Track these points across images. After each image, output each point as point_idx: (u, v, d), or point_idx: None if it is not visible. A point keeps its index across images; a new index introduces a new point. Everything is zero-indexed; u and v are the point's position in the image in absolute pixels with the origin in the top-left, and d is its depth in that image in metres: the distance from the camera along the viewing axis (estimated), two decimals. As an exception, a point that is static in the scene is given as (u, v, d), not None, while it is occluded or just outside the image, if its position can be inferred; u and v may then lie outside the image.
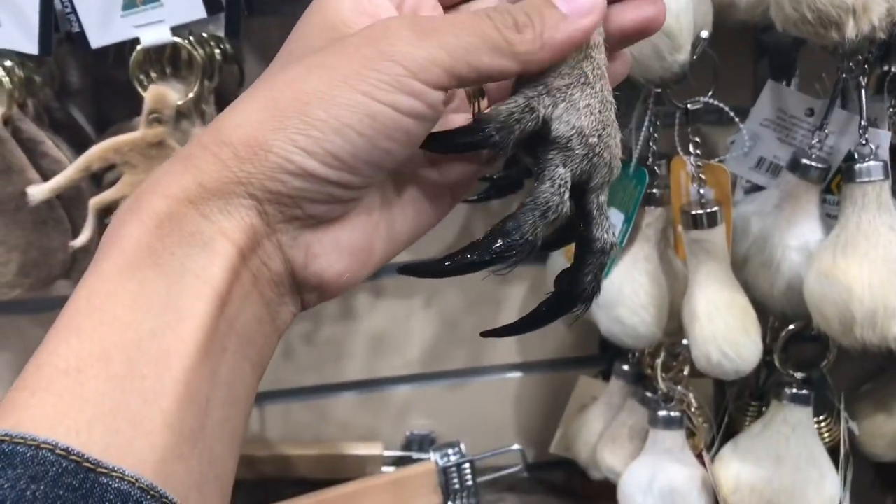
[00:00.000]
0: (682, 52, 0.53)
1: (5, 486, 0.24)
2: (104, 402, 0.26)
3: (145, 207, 0.29)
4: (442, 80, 0.29)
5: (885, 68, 0.64)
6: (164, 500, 0.26)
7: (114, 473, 0.25)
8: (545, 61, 0.31)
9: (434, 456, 0.69)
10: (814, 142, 0.62)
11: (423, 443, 0.76)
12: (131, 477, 0.25)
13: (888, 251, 0.57)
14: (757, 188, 0.67)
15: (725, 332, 0.59)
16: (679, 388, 0.67)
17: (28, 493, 0.24)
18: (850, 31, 0.51)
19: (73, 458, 0.25)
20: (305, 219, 0.30)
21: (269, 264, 0.30)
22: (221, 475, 0.29)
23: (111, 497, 0.25)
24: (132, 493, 0.25)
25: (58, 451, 0.25)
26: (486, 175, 0.64)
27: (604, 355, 0.78)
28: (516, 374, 0.80)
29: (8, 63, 0.54)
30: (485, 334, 0.37)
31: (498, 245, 0.32)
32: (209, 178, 0.29)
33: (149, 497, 0.26)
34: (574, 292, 0.34)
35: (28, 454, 0.25)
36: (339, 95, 0.29)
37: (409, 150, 0.31)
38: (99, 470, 0.25)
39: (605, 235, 0.35)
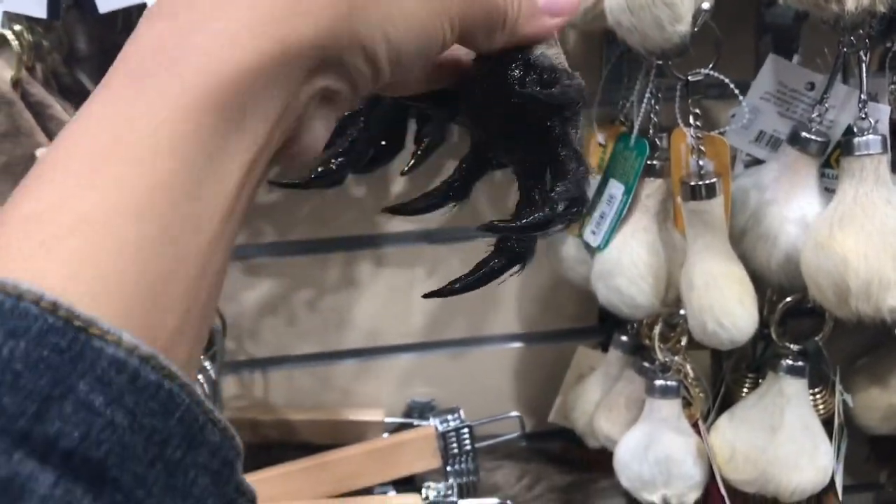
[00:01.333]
0: (683, 23, 0.53)
1: None
2: (127, 264, 0.23)
3: (197, 66, 0.25)
4: (462, 28, 0.32)
5: (888, 45, 0.64)
6: (166, 371, 0.23)
7: (108, 336, 0.22)
8: (507, 43, 0.34)
9: (434, 421, 0.70)
10: (814, 116, 0.62)
11: (424, 410, 0.77)
12: (129, 343, 0.22)
13: (884, 224, 0.58)
14: (757, 162, 0.67)
15: (721, 302, 0.60)
16: (676, 358, 0.68)
17: (5, 350, 0.21)
18: (850, 4, 0.52)
19: (62, 314, 0.21)
20: (327, 96, 0.30)
21: (281, 137, 0.29)
22: (206, 336, 0.27)
23: (104, 364, 0.22)
24: (130, 361, 0.22)
25: (43, 304, 0.21)
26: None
27: (602, 327, 0.79)
28: (516, 345, 0.81)
29: (17, 27, 0.55)
30: (427, 296, 0.39)
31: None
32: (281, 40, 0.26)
33: (149, 368, 0.22)
34: (526, 252, 0.38)
35: (7, 305, 0.21)
36: (418, 7, 0.30)
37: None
38: (91, 331, 0.22)
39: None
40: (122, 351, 0.22)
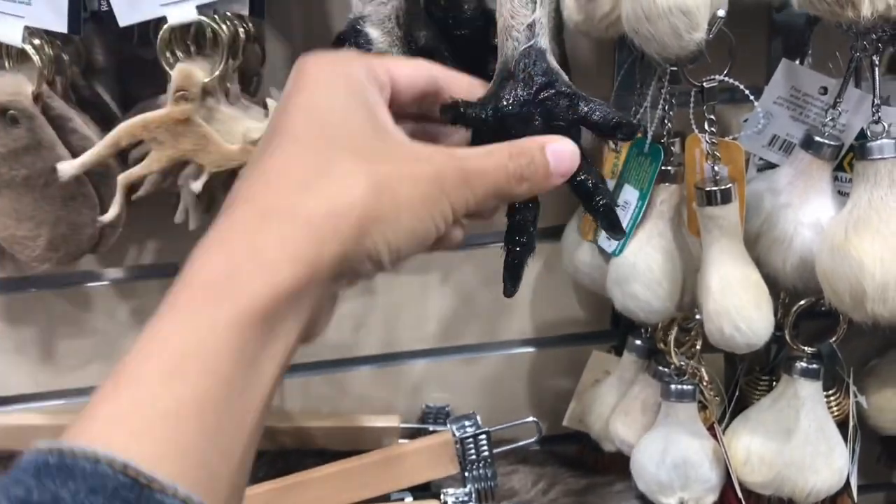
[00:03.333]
0: (699, 31, 0.53)
1: (66, 497, 0.26)
2: (193, 454, 0.29)
3: (245, 292, 0.32)
4: (467, 211, 0.40)
5: (899, 48, 0.64)
6: None
7: (167, 490, 0.28)
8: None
9: (451, 427, 0.70)
10: (827, 120, 0.62)
11: (439, 415, 0.77)
12: (182, 494, 0.28)
13: (900, 228, 0.58)
14: (770, 166, 0.68)
15: (738, 306, 0.60)
16: (691, 362, 0.68)
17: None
18: (866, 10, 0.52)
19: (131, 473, 0.27)
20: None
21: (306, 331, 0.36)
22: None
23: None
24: None
25: (116, 466, 0.27)
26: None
27: (616, 330, 0.80)
28: (529, 349, 0.81)
29: (37, 41, 0.55)
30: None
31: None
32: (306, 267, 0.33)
33: None
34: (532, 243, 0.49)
35: (89, 468, 0.27)
36: (413, 220, 0.37)
37: None
38: (153, 486, 0.28)
39: None
40: (176, 500, 0.28)
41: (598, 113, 0.47)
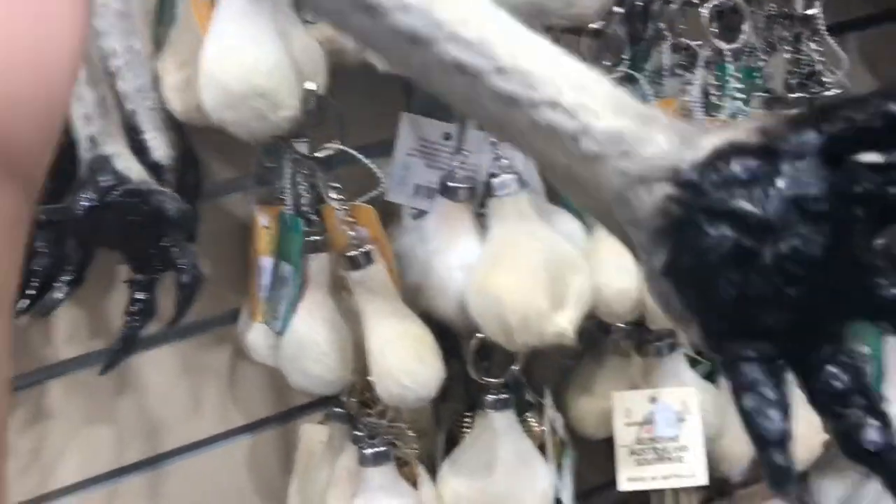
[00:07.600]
0: (286, 109, 0.53)
1: None
2: None
3: None
4: None
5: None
6: None
7: None
8: None
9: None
10: (454, 164, 0.64)
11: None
12: None
13: (530, 258, 0.61)
14: (423, 213, 0.69)
15: (399, 363, 0.60)
16: (384, 421, 0.68)
17: None
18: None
19: None
20: None
21: None
22: None
23: None
24: None
25: None
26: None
27: (326, 398, 0.78)
28: (244, 438, 0.78)
29: None
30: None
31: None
32: None
33: None
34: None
35: None
36: None
37: None
38: None
39: None
40: None
41: (166, 204, 0.54)
